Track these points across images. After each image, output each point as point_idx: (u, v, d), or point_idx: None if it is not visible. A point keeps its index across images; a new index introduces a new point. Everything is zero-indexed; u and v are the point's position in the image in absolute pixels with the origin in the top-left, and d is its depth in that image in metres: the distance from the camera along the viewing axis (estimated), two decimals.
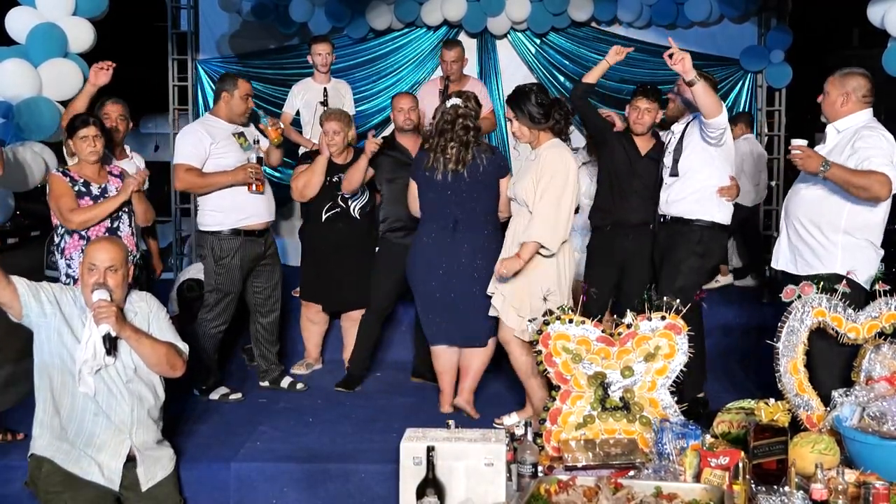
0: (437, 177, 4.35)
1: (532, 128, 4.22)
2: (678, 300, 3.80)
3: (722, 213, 4.46)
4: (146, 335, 3.42)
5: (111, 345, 3.30)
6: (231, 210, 4.71)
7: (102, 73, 4.61)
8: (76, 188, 4.26)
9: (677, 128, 4.56)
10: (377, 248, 5.07)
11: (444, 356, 4.56)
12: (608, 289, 4.72)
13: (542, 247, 4.11)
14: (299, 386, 4.99)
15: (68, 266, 4.29)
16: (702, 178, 4.41)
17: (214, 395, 4.79)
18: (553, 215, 4.09)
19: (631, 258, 4.69)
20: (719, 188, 4.41)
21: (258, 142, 4.85)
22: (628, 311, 3.85)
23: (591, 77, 4.63)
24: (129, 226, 4.42)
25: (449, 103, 4.39)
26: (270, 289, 4.94)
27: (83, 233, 4.27)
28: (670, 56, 4.05)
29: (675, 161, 4.45)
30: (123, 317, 3.36)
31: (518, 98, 4.24)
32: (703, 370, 4.52)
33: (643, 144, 4.70)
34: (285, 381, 5.01)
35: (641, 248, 4.68)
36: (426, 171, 4.41)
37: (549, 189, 4.10)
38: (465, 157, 4.33)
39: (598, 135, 4.80)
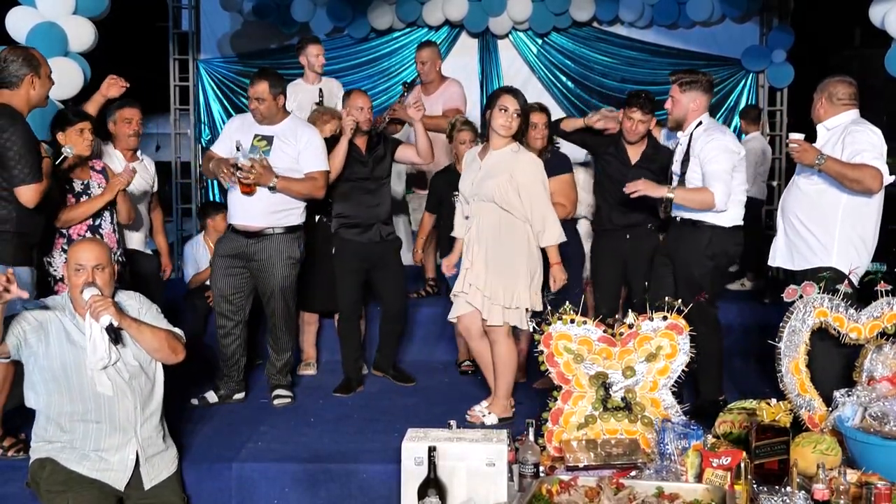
0: None
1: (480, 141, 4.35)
2: (680, 301, 3.79)
3: (730, 215, 4.28)
4: (144, 323, 3.43)
5: (115, 335, 3.30)
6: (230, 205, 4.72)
7: (115, 88, 4.67)
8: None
9: (683, 138, 4.42)
10: (333, 248, 4.93)
11: None
12: (614, 290, 4.86)
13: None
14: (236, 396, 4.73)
15: (49, 265, 4.24)
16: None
17: (195, 401, 4.64)
18: (551, 215, 4.25)
19: (633, 258, 4.77)
20: None
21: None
22: (629, 311, 3.87)
23: (568, 126, 4.95)
24: (111, 223, 4.39)
25: None
26: (244, 296, 4.67)
27: (64, 231, 4.23)
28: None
29: (683, 173, 4.35)
30: (119, 308, 3.36)
31: None
32: (720, 373, 4.48)
33: (634, 152, 4.78)
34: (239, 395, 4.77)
35: (640, 247, 4.75)
36: None
37: (534, 195, 4.18)
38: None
39: (591, 151, 5.09)
